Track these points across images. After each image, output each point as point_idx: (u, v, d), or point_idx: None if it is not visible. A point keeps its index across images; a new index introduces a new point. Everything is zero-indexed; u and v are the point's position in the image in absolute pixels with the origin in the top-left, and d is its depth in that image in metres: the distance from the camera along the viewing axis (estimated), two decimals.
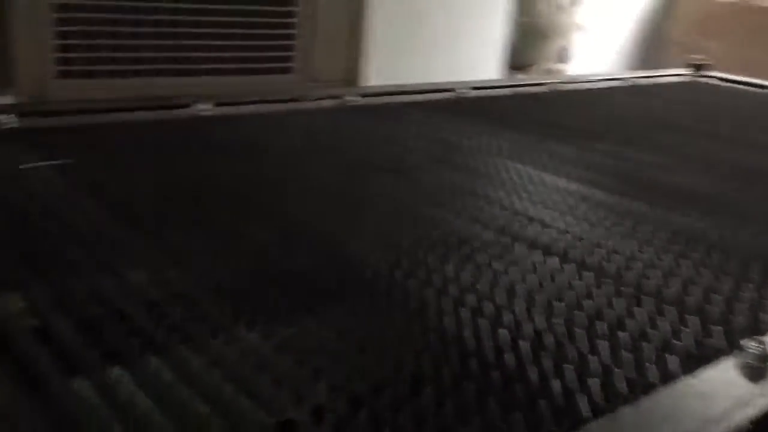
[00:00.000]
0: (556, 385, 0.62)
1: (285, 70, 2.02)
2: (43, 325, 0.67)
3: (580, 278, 0.84)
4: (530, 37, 4.13)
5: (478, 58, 3.39)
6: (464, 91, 2.00)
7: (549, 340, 0.70)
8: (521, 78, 3.33)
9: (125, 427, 0.54)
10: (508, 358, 0.66)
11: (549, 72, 4.30)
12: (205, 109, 1.50)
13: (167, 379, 0.61)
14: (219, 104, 1.51)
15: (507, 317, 0.73)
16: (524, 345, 0.68)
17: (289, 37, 1.98)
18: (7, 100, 1.70)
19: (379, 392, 0.61)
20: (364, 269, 0.83)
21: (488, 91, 2.04)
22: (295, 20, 1.98)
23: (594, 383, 0.63)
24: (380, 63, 2.36)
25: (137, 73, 1.78)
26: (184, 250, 0.84)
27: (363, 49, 2.11)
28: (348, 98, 1.76)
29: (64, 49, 1.68)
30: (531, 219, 1.02)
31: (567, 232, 0.98)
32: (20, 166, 1.06)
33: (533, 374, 0.64)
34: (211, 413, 0.57)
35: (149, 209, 0.95)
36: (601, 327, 0.73)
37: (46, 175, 1.02)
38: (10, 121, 1.21)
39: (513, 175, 1.22)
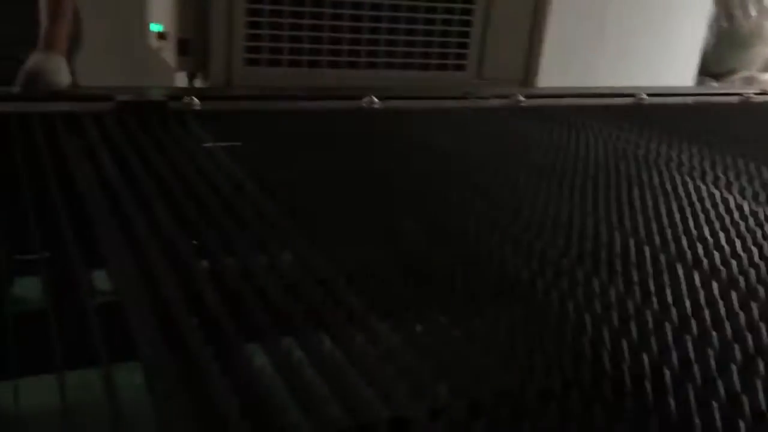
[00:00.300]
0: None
1: (459, 67, 2.02)
2: (194, 296, 0.72)
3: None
4: (730, 43, 3.82)
5: (667, 63, 3.19)
6: (645, 97, 1.89)
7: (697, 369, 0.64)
8: (713, 86, 3.09)
9: (244, 399, 0.57)
10: (647, 384, 0.61)
11: (750, 81, 3.96)
12: (373, 101, 1.53)
13: (296, 357, 0.63)
14: (387, 98, 1.54)
15: (653, 340, 0.68)
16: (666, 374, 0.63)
17: (465, 34, 1.97)
18: (199, 84, 1.84)
19: (501, 401, 0.59)
20: (507, 275, 0.80)
21: (672, 98, 1.90)
22: (472, 17, 1.97)
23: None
24: (558, 63, 2.29)
25: (316, 64, 1.86)
26: (331, 238, 0.87)
27: (541, 49, 2.05)
28: (518, 98, 1.73)
29: (253, 38, 1.79)
30: (704, 240, 0.94)
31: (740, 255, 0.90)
32: (201, 145, 1.15)
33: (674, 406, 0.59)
34: (330, 396, 0.58)
35: (305, 195, 0.98)
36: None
37: (218, 156, 1.10)
38: (194, 103, 1.31)
39: (692, 194, 1.13)
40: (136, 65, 2.19)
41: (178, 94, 1.35)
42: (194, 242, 0.81)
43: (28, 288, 0.84)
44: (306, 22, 1.82)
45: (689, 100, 1.92)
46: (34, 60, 1.41)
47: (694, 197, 1.11)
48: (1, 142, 1.06)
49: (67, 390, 0.61)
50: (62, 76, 1.42)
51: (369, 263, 0.81)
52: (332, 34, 1.86)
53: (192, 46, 1.77)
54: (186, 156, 1.06)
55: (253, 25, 1.78)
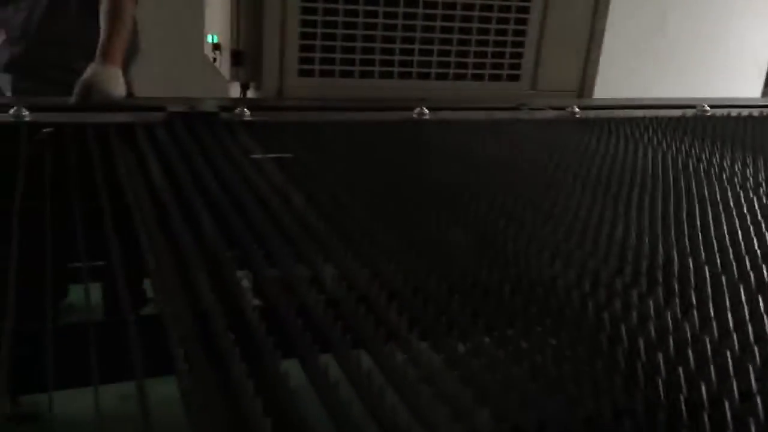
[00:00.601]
0: None
1: (513, 78, 1.98)
2: (233, 310, 0.71)
3: None
4: None
5: (732, 73, 3.08)
6: (707, 108, 1.82)
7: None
8: None
9: (278, 417, 0.55)
10: (704, 415, 0.58)
11: None
12: (423, 112, 1.51)
13: (333, 376, 0.62)
14: (437, 108, 1.52)
15: (712, 368, 0.64)
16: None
17: (519, 44, 1.94)
18: (253, 94, 1.86)
19: (546, 429, 0.56)
20: (557, 294, 0.77)
21: (735, 110, 1.83)
22: (527, 27, 1.93)
23: None
24: (616, 74, 2.23)
25: (368, 74, 1.85)
26: (374, 250, 0.85)
27: (597, 59, 2.00)
28: (573, 110, 1.69)
29: (306, 49, 1.79)
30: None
31: None
32: (249, 156, 1.15)
33: None
34: (366, 419, 0.56)
35: (351, 207, 0.97)
36: None
37: (266, 167, 1.09)
38: (245, 114, 1.32)
39: (757, 211, 1.07)
40: (192, 76, 2.23)
41: (229, 105, 1.36)
42: (236, 253, 0.81)
43: (80, 295, 0.84)
44: (359, 32, 1.81)
45: (754, 111, 1.84)
46: (90, 71, 1.45)
47: (759, 214, 1.05)
48: (57, 152, 1.08)
49: (107, 401, 0.61)
50: (117, 87, 1.45)
51: (413, 278, 0.79)
52: (385, 45, 1.85)
53: (246, 57, 1.79)
54: (234, 167, 1.06)
55: (307, 36, 1.78)
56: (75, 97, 1.41)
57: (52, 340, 0.71)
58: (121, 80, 1.50)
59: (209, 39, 1.95)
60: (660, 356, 0.65)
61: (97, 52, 1.56)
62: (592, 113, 1.72)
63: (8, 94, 1.81)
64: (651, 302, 0.75)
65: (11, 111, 1.19)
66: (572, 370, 0.63)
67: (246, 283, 0.77)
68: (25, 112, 1.20)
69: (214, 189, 0.97)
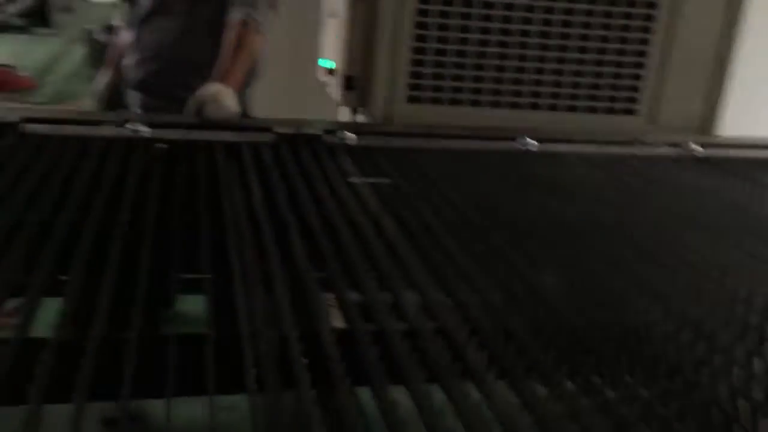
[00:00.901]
0: None
1: (629, 111, 1.90)
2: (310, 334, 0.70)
3: None
4: None
5: None
6: None
7: None
8: None
9: None
10: None
11: None
12: (530, 143, 1.47)
13: (404, 409, 0.60)
14: (545, 140, 1.48)
15: None
16: None
17: (638, 76, 1.86)
18: (360, 119, 1.88)
19: None
20: (665, 356, 0.71)
21: None
22: (646, 59, 1.85)
23: None
24: (744, 110, 2.09)
25: (478, 103, 1.83)
26: (463, 285, 0.82)
27: (723, 93, 1.88)
28: (693, 147, 1.59)
29: (416, 76, 1.79)
30: None
31: None
32: (348, 180, 1.16)
33: None
34: None
35: (444, 237, 0.95)
36: None
37: (363, 190, 1.09)
38: (349, 138, 1.33)
39: None
40: (306, 99, 2.29)
41: (334, 128, 1.38)
42: (320, 275, 0.81)
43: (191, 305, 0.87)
44: (470, 61, 1.80)
45: None
46: (204, 90, 1.51)
47: None
48: (166, 167, 1.12)
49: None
50: (230, 105, 1.50)
51: (497, 314, 0.76)
52: (496, 74, 1.82)
53: (356, 82, 1.81)
54: (330, 189, 1.07)
55: (417, 63, 1.79)
56: (188, 111, 1.47)
57: (160, 350, 0.71)
58: (234, 100, 1.55)
59: (323, 63, 2.00)
60: (762, 423, 0.59)
61: (216, 73, 1.62)
62: (714, 152, 1.62)
63: (137, 110, 1.91)
64: (756, 361, 0.69)
65: (130, 126, 1.26)
66: (662, 429, 0.58)
67: (328, 306, 0.77)
68: (143, 128, 1.26)
69: (309, 210, 0.98)
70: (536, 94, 1.84)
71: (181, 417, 0.68)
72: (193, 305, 0.89)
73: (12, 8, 4.83)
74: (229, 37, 1.78)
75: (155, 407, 0.72)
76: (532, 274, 0.86)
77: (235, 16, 1.80)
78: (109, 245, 0.83)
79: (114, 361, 0.63)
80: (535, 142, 1.49)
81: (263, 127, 1.34)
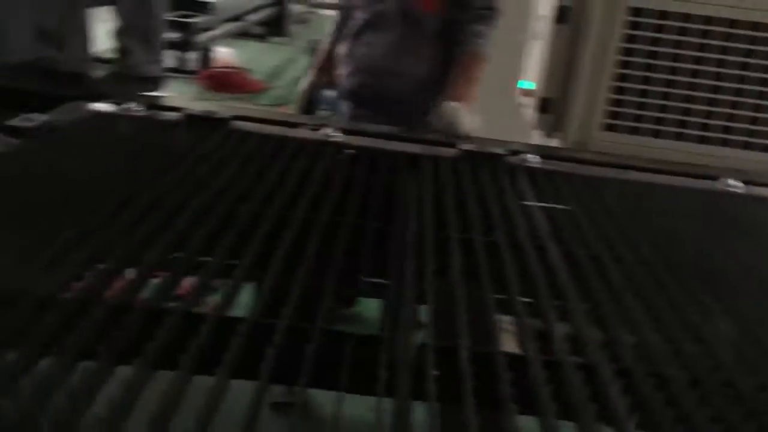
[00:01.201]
0: None
1: None
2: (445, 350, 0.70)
3: None
4: None
5: None
6: None
7: None
8: None
9: None
10: None
11: None
12: (735, 184, 1.36)
13: None
14: (751, 182, 1.35)
15: None
16: None
17: None
18: (555, 143, 1.84)
19: None
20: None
21: None
22: None
23: None
24: None
25: (682, 137, 1.72)
26: (616, 318, 0.78)
27: None
28: None
29: (616, 103, 1.72)
30: None
31: None
32: (521, 201, 1.14)
33: None
34: None
35: (603, 272, 0.90)
36: None
37: (533, 215, 1.07)
38: (530, 160, 1.31)
39: None
40: (503, 119, 2.28)
41: (518, 150, 1.37)
42: (472, 296, 0.81)
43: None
44: (677, 91, 1.69)
45: None
46: (446, 109, 1.77)
47: None
48: (347, 173, 1.17)
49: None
50: (468, 125, 1.74)
51: (651, 358, 0.71)
52: (706, 107, 1.70)
53: (552, 105, 1.78)
54: (501, 209, 1.06)
55: (619, 90, 1.72)
56: (430, 126, 1.76)
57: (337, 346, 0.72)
58: (462, 118, 1.74)
59: (522, 85, 1.99)
60: None
61: (451, 93, 1.74)
62: None
63: (347, 119, 2.02)
64: None
65: (323, 131, 1.34)
66: None
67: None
68: (336, 133, 1.34)
69: (473, 227, 0.98)
70: (750, 133, 1.69)
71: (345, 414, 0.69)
72: (370, 308, 0.91)
73: (254, 17, 5.31)
74: (462, 64, 1.86)
75: (319, 398, 0.75)
76: (700, 319, 0.79)
77: (468, 49, 1.89)
78: (306, 241, 0.88)
79: (294, 350, 0.67)
80: (741, 184, 1.36)
81: (449, 143, 1.36)
